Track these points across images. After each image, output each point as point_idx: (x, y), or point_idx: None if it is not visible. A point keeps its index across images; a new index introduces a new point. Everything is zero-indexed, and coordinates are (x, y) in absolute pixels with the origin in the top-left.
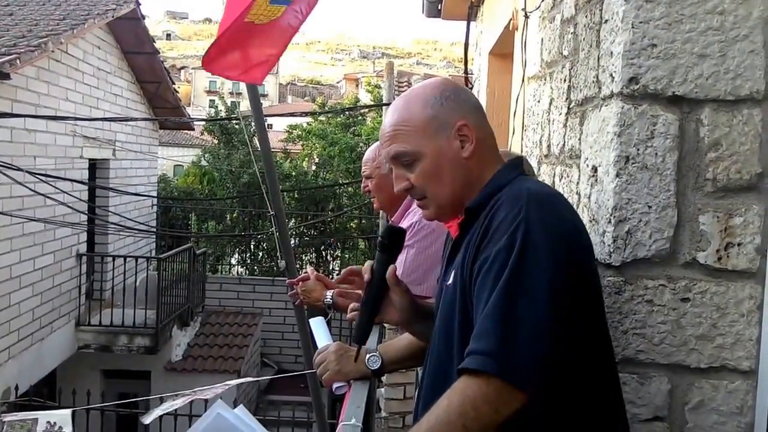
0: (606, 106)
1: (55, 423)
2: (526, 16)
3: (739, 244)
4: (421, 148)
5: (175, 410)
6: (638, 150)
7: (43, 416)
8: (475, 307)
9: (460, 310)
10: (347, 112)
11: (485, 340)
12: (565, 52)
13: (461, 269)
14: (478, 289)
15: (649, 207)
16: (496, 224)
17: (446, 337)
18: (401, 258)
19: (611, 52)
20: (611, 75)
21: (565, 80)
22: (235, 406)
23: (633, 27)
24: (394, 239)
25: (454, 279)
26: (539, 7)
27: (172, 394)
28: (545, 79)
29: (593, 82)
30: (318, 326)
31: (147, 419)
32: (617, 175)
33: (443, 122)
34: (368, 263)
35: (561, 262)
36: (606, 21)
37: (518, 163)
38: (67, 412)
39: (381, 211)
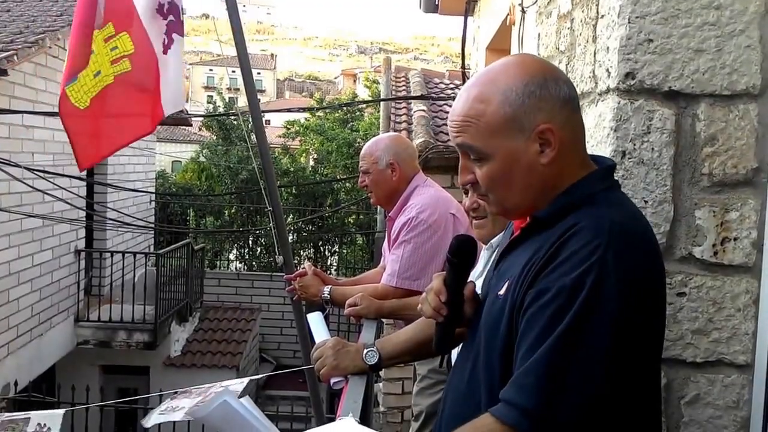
0: (602, 101)
1: (44, 424)
2: (523, 12)
3: (735, 239)
4: (491, 149)
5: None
6: (635, 145)
7: (36, 416)
8: (519, 338)
9: (505, 330)
10: (345, 108)
11: (526, 394)
12: (562, 48)
13: (515, 288)
14: (527, 321)
15: (646, 202)
16: (567, 254)
17: (487, 352)
18: (398, 253)
19: (608, 48)
20: (607, 70)
21: None
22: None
23: (629, 22)
24: (462, 253)
25: (506, 293)
26: (536, 2)
27: (171, 392)
28: None
29: (590, 77)
30: (316, 321)
31: (148, 423)
32: None
33: (522, 123)
34: (439, 280)
35: (629, 323)
36: (602, 16)
37: (609, 172)
38: (60, 412)
39: (378, 206)
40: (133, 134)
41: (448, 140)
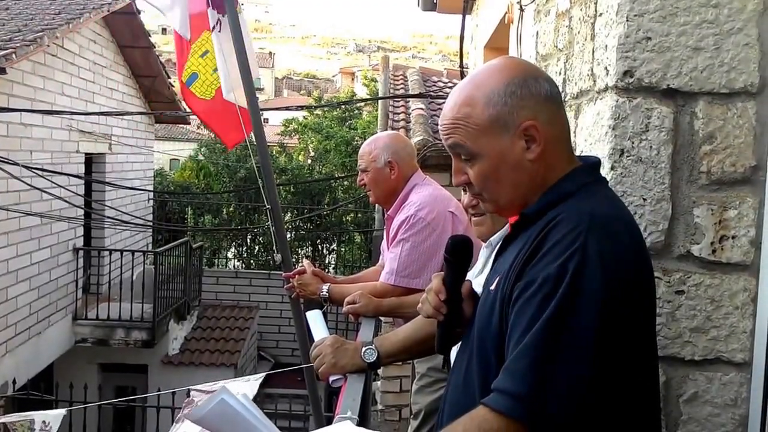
0: (601, 99)
1: (48, 423)
2: (521, 10)
3: (733, 237)
4: (480, 149)
5: (173, 404)
6: (633, 143)
7: (39, 416)
8: (509, 330)
9: (496, 324)
10: (343, 106)
11: (517, 381)
12: (560, 46)
13: (504, 282)
14: (517, 312)
15: (644, 200)
16: (550, 245)
17: (480, 346)
18: (396, 251)
19: (606, 46)
20: (606, 68)
21: (560, 73)
22: None
23: (627, 20)
24: (458, 253)
25: (497, 287)
26: (534, 0)
27: (169, 391)
28: None
29: (588, 75)
30: (315, 319)
31: None
32: (612, 168)
33: (506, 122)
34: (438, 280)
35: (614, 307)
36: (600, 14)
37: (594, 168)
38: (61, 411)
39: (377, 205)
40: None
41: None
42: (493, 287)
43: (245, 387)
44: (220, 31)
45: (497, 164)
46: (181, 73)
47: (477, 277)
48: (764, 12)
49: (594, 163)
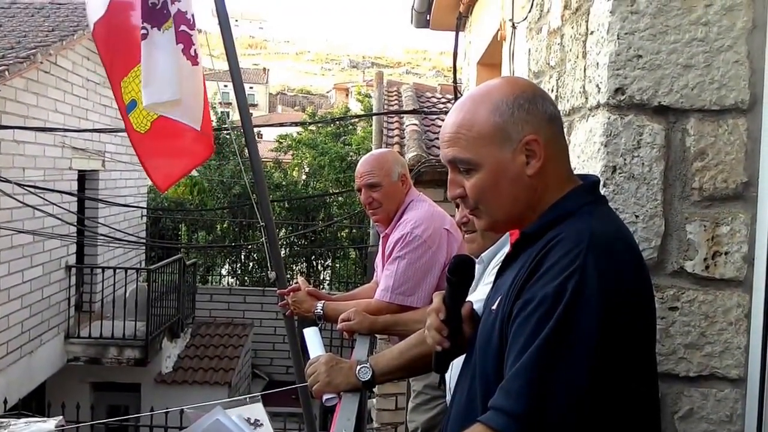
0: (593, 116)
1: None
2: (514, 27)
3: (726, 253)
4: (481, 159)
5: (166, 423)
6: (625, 160)
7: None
8: (507, 348)
9: (497, 343)
10: (337, 122)
11: (513, 400)
12: (552, 63)
13: (504, 301)
14: (515, 331)
15: (637, 216)
16: (549, 264)
17: (482, 366)
18: (392, 269)
19: (597, 63)
20: (597, 86)
21: (552, 91)
22: None
23: (619, 38)
24: (460, 272)
25: (498, 307)
26: (526, 18)
27: (163, 411)
28: None
29: (580, 92)
30: (311, 337)
31: None
32: (604, 185)
33: (510, 134)
34: (438, 299)
35: (612, 326)
36: (592, 32)
37: (594, 187)
38: (51, 425)
39: (374, 223)
40: (201, 155)
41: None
42: (494, 307)
43: (249, 412)
44: (146, 39)
45: (496, 176)
46: (117, 88)
47: (470, 294)
48: (753, 29)
49: (594, 182)
